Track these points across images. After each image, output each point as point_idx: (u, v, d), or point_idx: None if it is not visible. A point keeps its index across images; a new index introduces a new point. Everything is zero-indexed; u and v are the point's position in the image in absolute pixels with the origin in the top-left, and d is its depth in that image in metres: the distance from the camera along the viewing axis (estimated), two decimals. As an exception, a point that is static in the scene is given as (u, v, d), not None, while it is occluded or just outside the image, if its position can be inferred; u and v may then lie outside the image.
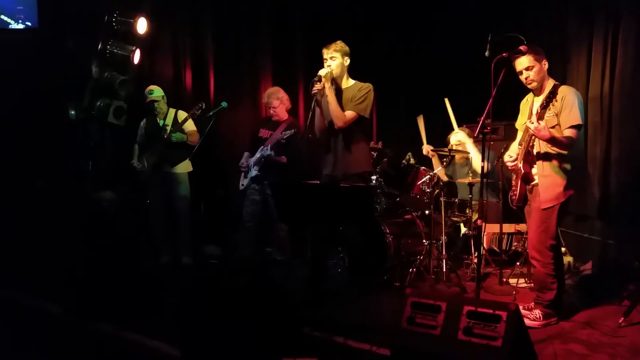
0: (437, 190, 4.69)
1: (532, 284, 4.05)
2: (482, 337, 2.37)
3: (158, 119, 5.31)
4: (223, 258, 5.48)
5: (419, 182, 4.69)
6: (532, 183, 3.52)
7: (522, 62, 3.40)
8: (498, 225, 4.48)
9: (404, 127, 6.19)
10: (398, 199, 5.14)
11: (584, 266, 4.66)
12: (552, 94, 3.29)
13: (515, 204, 3.60)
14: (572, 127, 3.34)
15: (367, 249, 4.21)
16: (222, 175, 6.10)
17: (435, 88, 5.32)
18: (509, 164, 3.57)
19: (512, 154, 3.58)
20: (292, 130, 4.88)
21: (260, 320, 2.79)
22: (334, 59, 3.89)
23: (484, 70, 3.17)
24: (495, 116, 3.18)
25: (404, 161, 4.99)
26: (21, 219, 5.37)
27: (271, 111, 5.19)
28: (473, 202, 4.56)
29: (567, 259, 4.55)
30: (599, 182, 4.79)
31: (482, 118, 3.13)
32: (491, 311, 2.40)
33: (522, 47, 3.31)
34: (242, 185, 5.21)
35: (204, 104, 5.20)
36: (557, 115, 3.37)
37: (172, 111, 5.34)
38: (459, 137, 4.78)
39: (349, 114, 3.89)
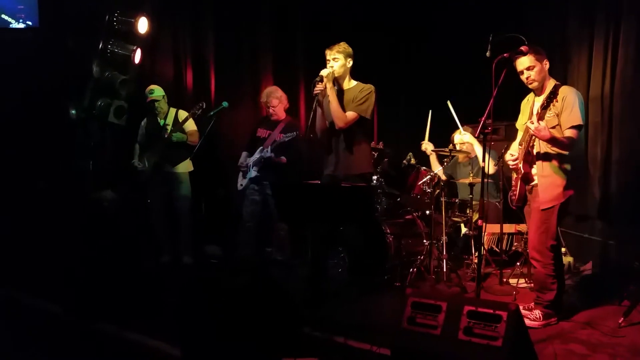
0: (438, 191, 4.70)
1: (532, 284, 4.05)
2: (483, 337, 2.37)
3: (159, 119, 5.31)
4: (223, 258, 5.48)
5: (419, 182, 4.70)
6: (532, 183, 3.52)
7: (523, 62, 3.40)
8: (498, 225, 4.48)
9: (405, 128, 6.21)
10: (399, 199, 5.15)
11: (584, 266, 4.66)
12: (553, 94, 3.29)
13: (515, 204, 3.60)
14: (572, 127, 3.33)
15: (368, 249, 4.21)
16: (223, 175, 6.09)
17: (435, 88, 5.33)
18: (510, 163, 3.57)
19: (514, 152, 3.58)
20: (294, 133, 4.87)
21: (260, 320, 2.79)
22: (337, 60, 3.89)
23: (484, 71, 3.16)
24: (496, 116, 3.18)
25: (404, 161, 4.99)
26: (21, 219, 5.35)
27: (270, 110, 5.17)
28: (474, 202, 4.56)
29: (568, 259, 4.56)
30: (600, 182, 4.79)
31: (483, 118, 3.13)
32: (491, 311, 2.40)
33: (523, 48, 3.31)
34: (241, 185, 5.20)
35: (204, 104, 5.19)
36: (557, 115, 3.37)
37: (172, 111, 5.34)
38: (465, 138, 4.77)
39: (350, 114, 3.89)
